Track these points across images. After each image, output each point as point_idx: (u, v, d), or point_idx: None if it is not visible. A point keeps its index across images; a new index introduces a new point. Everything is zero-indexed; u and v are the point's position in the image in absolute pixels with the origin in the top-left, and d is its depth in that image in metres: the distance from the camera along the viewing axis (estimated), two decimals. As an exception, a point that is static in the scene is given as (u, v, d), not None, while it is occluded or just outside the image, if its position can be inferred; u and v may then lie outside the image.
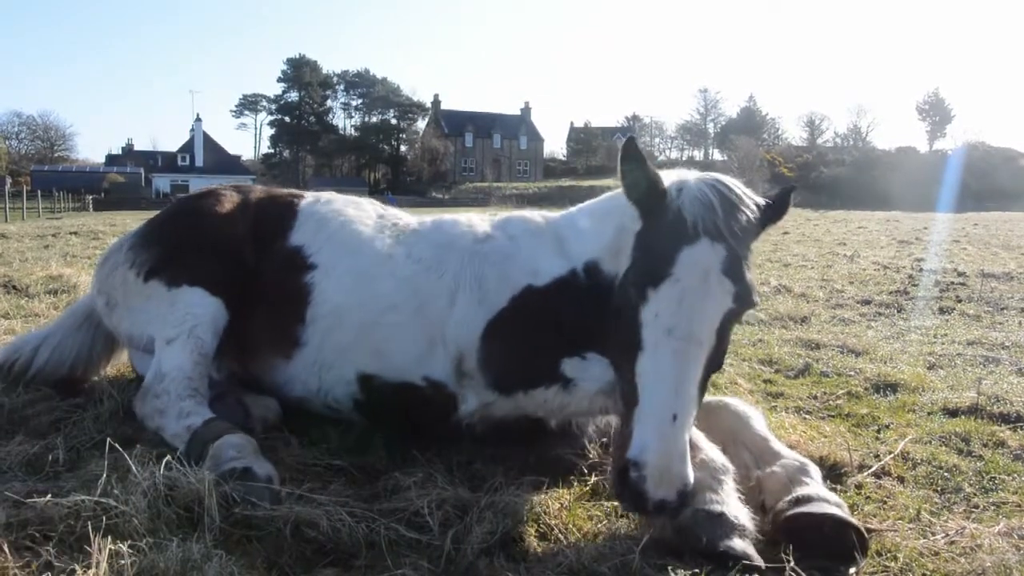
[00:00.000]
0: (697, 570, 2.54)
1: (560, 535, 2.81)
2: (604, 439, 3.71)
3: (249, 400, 3.86)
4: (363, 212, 4.33)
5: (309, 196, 4.46)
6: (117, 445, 3.04)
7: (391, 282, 3.86)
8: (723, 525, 2.71)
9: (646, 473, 2.55)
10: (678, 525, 2.74)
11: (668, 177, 3.04)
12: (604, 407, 3.33)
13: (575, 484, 3.33)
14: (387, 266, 3.94)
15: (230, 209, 4.27)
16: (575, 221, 3.84)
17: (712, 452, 3.02)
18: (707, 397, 3.53)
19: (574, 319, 3.44)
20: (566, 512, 2.97)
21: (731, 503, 2.80)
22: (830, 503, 2.83)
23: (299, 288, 3.95)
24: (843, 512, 2.80)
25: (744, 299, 2.79)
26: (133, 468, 2.85)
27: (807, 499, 2.83)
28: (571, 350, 3.39)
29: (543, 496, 3.03)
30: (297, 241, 4.13)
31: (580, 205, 3.98)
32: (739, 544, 2.67)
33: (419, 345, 3.71)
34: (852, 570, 2.63)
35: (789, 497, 2.87)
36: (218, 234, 4.12)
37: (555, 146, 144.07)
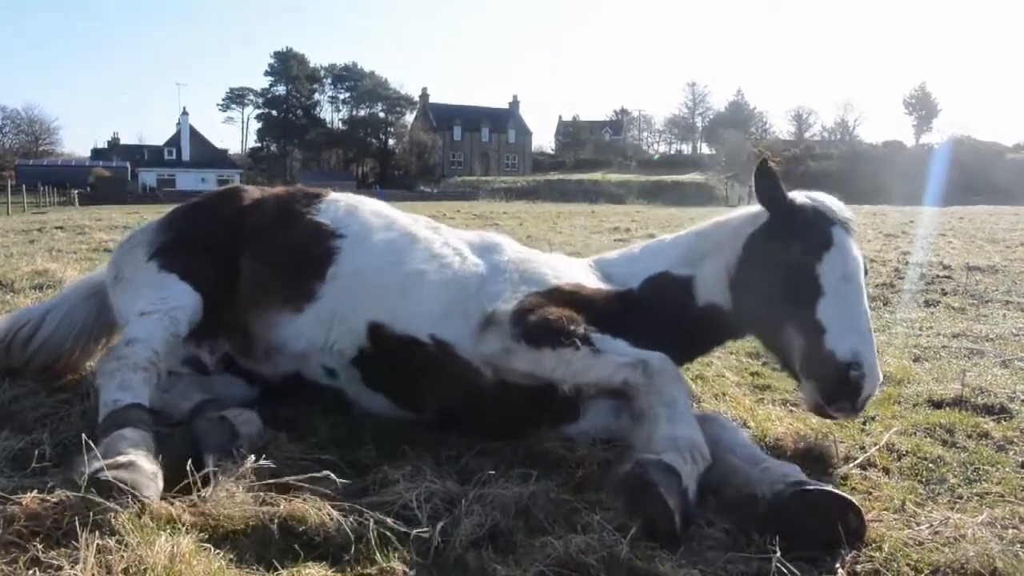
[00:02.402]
0: (683, 561, 2.56)
1: (548, 527, 2.82)
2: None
3: (232, 415, 3.56)
4: (397, 211, 4.57)
5: (337, 192, 4.65)
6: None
7: (423, 256, 4.09)
8: (670, 478, 2.84)
9: (864, 371, 3.20)
10: (638, 459, 2.93)
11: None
12: (624, 379, 3.39)
13: (563, 477, 3.34)
14: (421, 244, 4.18)
15: (247, 206, 4.42)
16: (619, 261, 4.28)
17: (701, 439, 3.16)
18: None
19: (616, 318, 3.71)
20: (554, 505, 2.98)
21: (692, 476, 2.95)
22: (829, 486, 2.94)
23: (323, 251, 4.11)
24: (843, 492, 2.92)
25: (867, 270, 3.63)
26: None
27: (805, 483, 2.92)
28: (604, 331, 3.57)
29: (531, 489, 3.04)
30: (325, 219, 4.29)
31: (613, 257, 4.39)
32: (670, 500, 2.75)
33: (435, 310, 3.87)
34: (838, 564, 2.65)
35: (788, 481, 2.93)
36: (224, 232, 4.26)
37: (543, 140, 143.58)
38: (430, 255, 4.08)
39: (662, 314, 3.83)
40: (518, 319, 3.66)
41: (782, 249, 3.57)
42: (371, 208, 4.43)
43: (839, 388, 3.23)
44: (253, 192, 4.59)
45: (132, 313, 3.86)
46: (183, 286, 3.95)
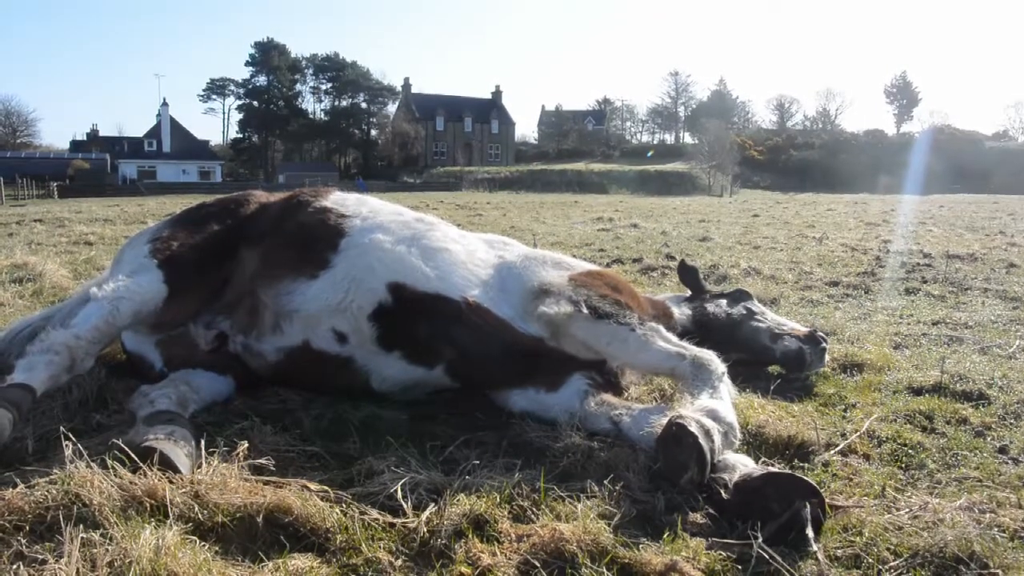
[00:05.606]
0: (666, 548, 2.58)
1: (532, 516, 2.84)
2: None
3: (165, 434, 3.21)
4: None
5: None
6: (86, 434, 3.01)
7: (442, 236, 4.33)
8: (705, 435, 3.06)
9: None
10: (680, 413, 3.21)
11: None
12: (673, 368, 3.71)
13: (547, 466, 3.35)
14: (440, 229, 4.43)
15: (254, 205, 4.60)
16: None
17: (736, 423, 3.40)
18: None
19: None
20: (538, 494, 2.99)
21: (720, 446, 3.16)
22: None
23: (335, 228, 4.29)
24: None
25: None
26: (106, 458, 2.83)
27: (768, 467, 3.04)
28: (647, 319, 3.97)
29: (516, 478, 3.05)
30: (333, 204, 4.50)
31: None
32: (705, 447, 3.01)
33: (467, 279, 4.08)
34: (816, 547, 2.67)
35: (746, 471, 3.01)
36: (226, 223, 4.42)
37: (526, 130, 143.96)
38: (453, 238, 4.34)
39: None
40: (577, 289, 3.94)
41: None
42: (380, 201, 4.66)
43: None
44: (260, 196, 4.78)
45: (94, 287, 3.93)
46: (155, 275, 4.01)
